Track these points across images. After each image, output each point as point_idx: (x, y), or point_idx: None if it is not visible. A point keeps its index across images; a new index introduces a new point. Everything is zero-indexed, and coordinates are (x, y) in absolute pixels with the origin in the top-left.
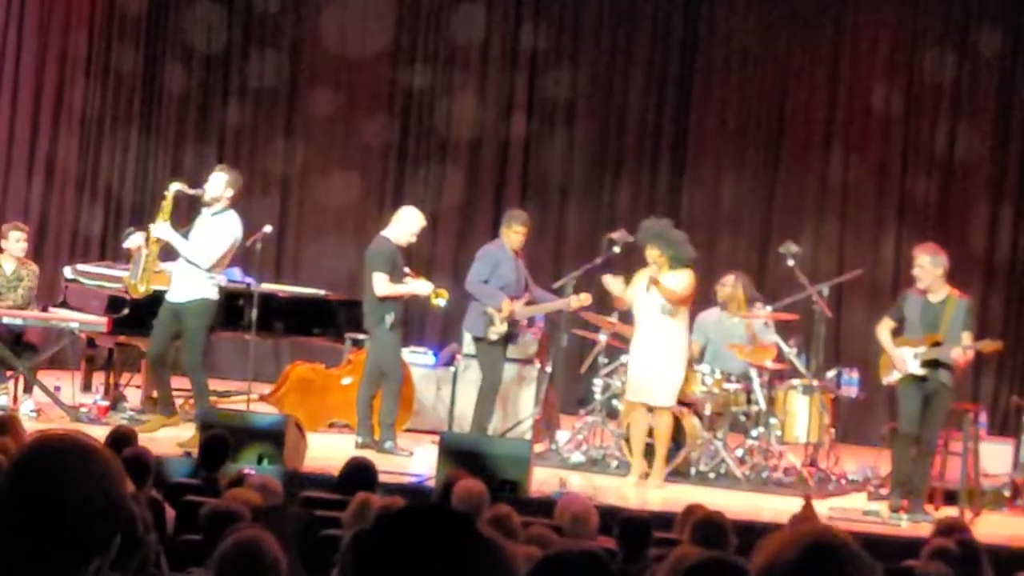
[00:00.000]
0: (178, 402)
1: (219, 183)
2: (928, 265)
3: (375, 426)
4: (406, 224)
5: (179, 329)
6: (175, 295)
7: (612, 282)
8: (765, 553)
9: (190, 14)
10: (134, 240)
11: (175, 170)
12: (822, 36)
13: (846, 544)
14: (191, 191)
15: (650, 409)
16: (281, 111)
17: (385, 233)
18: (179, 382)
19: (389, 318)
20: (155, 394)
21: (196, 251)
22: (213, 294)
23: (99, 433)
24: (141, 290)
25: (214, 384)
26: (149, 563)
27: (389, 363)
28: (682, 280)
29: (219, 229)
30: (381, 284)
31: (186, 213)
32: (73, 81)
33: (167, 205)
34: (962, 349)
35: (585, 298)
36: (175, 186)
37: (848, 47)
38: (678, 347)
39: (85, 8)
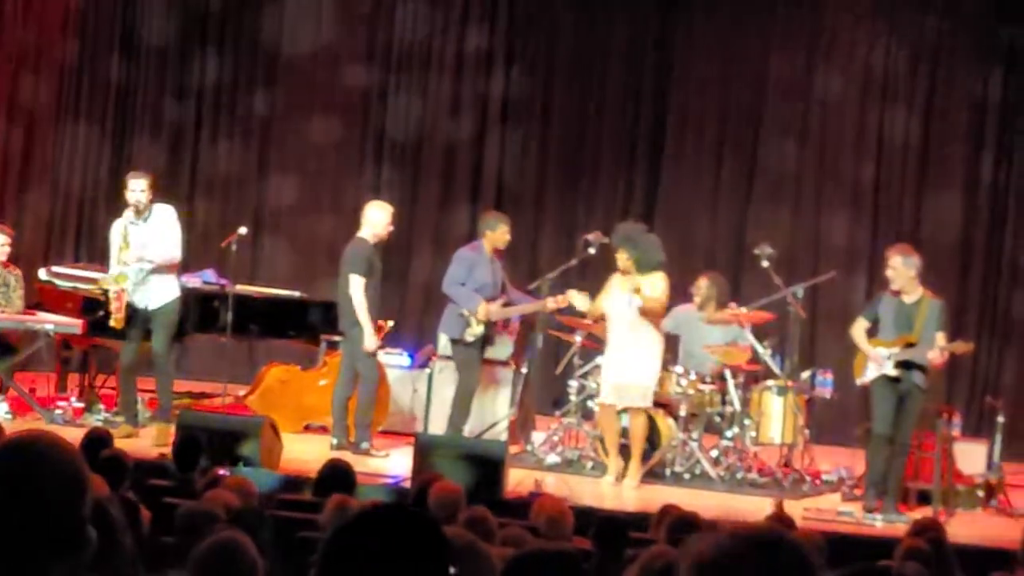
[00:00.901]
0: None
1: (145, 189)
2: (901, 266)
3: (350, 427)
4: (377, 220)
5: (148, 332)
6: (150, 302)
7: (576, 297)
8: (709, 543)
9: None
10: (112, 285)
11: (122, 164)
12: (798, 42)
13: (791, 541)
14: (135, 220)
15: (624, 410)
16: (227, 108)
17: (361, 234)
18: (148, 384)
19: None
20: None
21: (166, 253)
22: (179, 290)
23: (74, 435)
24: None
25: (189, 386)
26: (125, 565)
27: (364, 364)
28: (658, 286)
29: (167, 222)
30: (357, 287)
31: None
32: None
33: (124, 245)
34: (938, 350)
35: (563, 299)
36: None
37: (823, 53)
38: (652, 349)
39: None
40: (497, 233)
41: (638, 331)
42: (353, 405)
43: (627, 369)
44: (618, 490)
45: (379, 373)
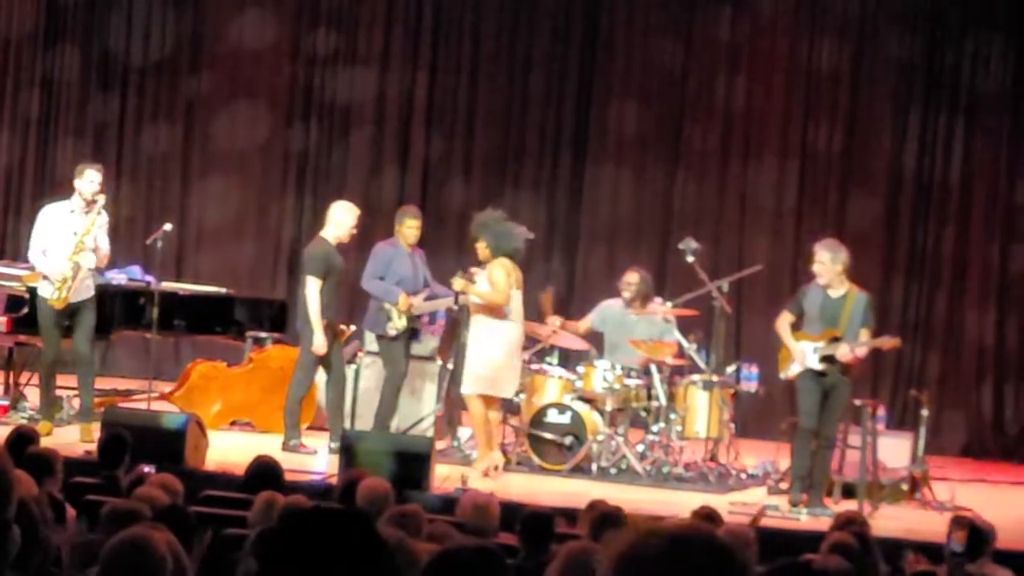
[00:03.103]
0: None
1: (101, 182)
2: (828, 261)
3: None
4: (340, 221)
5: (68, 329)
6: (79, 295)
7: (455, 281)
8: (628, 540)
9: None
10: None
11: (46, 159)
12: (719, 38)
13: (713, 538)
14: (78, 212)
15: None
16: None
17: (323, 234)
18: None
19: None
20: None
21: (107, 250)
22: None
23: None
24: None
25: (115, 383)
26: (49, 563)
27: (305, 362)
28: (495, 274)
29: (103, 225)
30: (312, 288)
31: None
32: None
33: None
34: (848, 348)
35: None
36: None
37: (746, 48)
38: (489, 337)
39: None
40: (403, 227)
41: (477, 319)
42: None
43: (468, 356)
44: (544, 485)
45: (314, 379)
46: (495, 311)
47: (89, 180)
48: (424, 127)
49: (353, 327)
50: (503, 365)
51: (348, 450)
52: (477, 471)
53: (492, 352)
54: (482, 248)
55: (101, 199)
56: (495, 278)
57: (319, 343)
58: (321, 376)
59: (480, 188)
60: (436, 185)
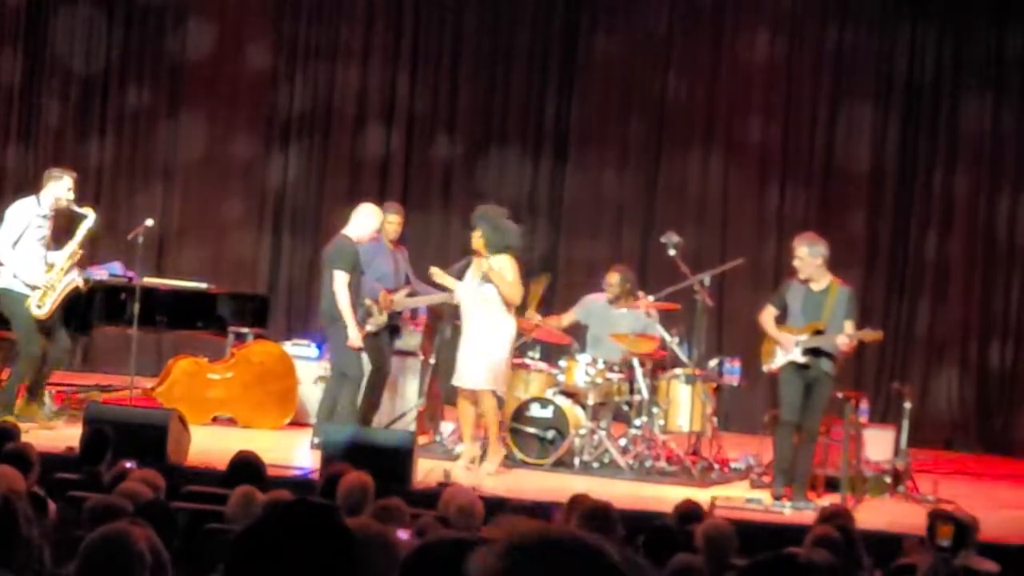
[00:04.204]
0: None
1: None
2: (807, 256)
3: None
4: (365, 223)
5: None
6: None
7: (439, 275)
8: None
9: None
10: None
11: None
12: (702, 29)
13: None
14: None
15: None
16: (163, 103)
17: (346, 231)
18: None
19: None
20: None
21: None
22: None
23: None
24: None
25: (96, 379)
26: (32, 559)
27: (347, 360)
28: (507, 268)
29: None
30: (341, 283)
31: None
32: None
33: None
34: (847, 337)
35: None
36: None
37: (728, 38)
38: (501, 331)
39: None
40: (384, 223)
41: (480, 312)
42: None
43: (465, 349)
44: (473, 474)
45: (288, 364)
46: (503, 306)
47: (67, 187)
48: (405, 120)
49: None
50: (507, 361)
51: (330, 445)
52: (492, 467)
53: (499, 347)
54: (477, 238)
55: (88, 212)
56: (507, 274)
57: (355, 336)
58: (300, 367)
59: (462, 188)
60: (417, 182)
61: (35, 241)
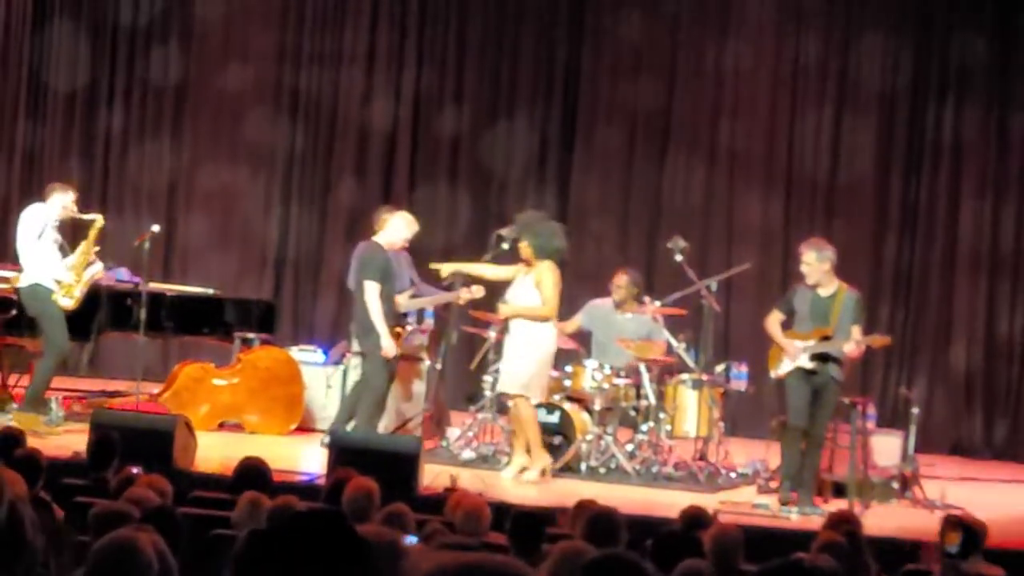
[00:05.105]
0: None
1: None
2: (815, 261)
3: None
4: (397, 231)
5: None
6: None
7: (502, 308)
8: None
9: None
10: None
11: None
12: (708, 27)
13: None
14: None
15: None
16: (169, 108)
17: (377, 239)
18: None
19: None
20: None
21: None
22: None
23: None
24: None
25: (103, 384)
26: (36, 564)
27: (373, 367)
28: (545, 285)
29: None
30: (373, 293)
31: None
32: None
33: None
34: (854, 343)
35: (477, 290)
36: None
37: (733, 39)
38: (537, 340)
39: None
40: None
41: (519, 320)
42: None
43: (507, 356)
44: (518, 482)
45: (293, 369)
46: (539, 317)
47: (71, 199)
48: (410, 126)
49: (410, 327)
50: (545, 369)
51: (336, 451)
52: (534, 475)
53: (534, 355)
54: (524, 248)
55: (96, 216)
56: (545, 290)
57: (388, 345)
58: (306, 372)
59: (467, 191)
60: (423, 185)
61: (51, 243)
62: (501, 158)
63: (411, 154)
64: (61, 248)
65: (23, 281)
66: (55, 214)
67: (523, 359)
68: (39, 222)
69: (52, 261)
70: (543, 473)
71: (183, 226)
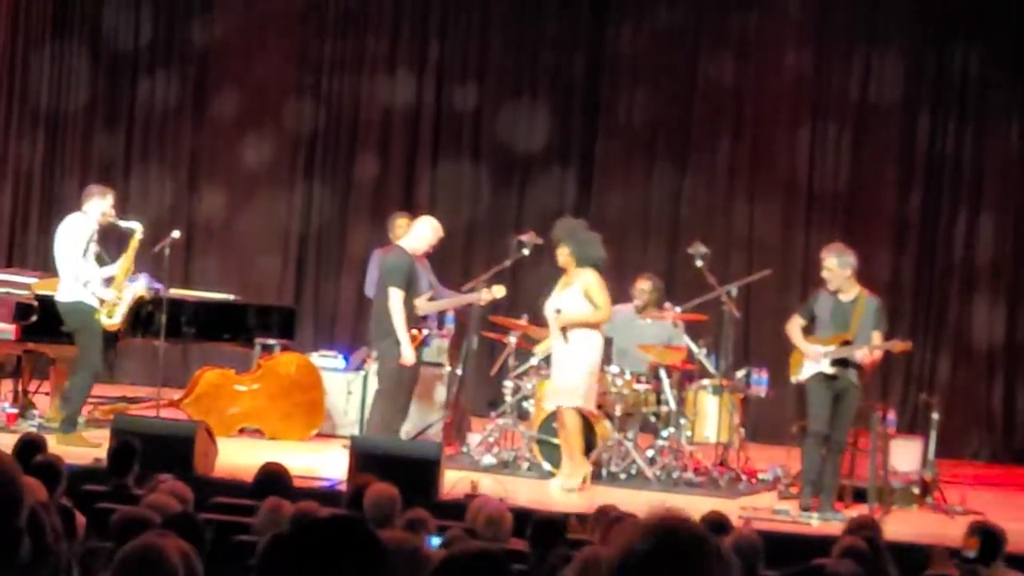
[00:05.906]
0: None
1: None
2: (836, 267)
3: None
4: (422, 236)
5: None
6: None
7: (556, 319)
8: (617, 545)
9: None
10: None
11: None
12: (729, 37)
13: (695, 532)
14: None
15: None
16: (188, 103)
17: (402, 244)
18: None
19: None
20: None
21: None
22: None
23: (8, 441)
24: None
25: (123, 390)
26: (60, 571)
27: (389, 379)
28: (594, 292)
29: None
30: (396, 300)
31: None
32: None
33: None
34: (868, 349)
35: (498, 289)
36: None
37: (754, 50)
38: (581, 347)
39: None
40: (395, 229)
41: (572, 334)
42: None
43: (558, 369)
44: (555, 491)
45: (315, 376)
46: (593, 324)
47: (110, 203)
48: (432, 135)
49: (426, 331)
50: (595, 377)
51: (357, 456)
52: (571, 483)
53: (578, 363)
54: (564, 255)
55: (136, 224)
56: (597, 296)
57: (408, 354)
58: (327, 377)
59: (488, 197)
60: (443, 190)
61: (93, 258)
62: (523, 135)
63: (434, 131)
64: (98, 257)
65: (63, 295)
66: (96, 219)
67: (578, 371)
68: (82, 238)
69: (96, 281)
70: (584, 481)
71: (202, 200)
